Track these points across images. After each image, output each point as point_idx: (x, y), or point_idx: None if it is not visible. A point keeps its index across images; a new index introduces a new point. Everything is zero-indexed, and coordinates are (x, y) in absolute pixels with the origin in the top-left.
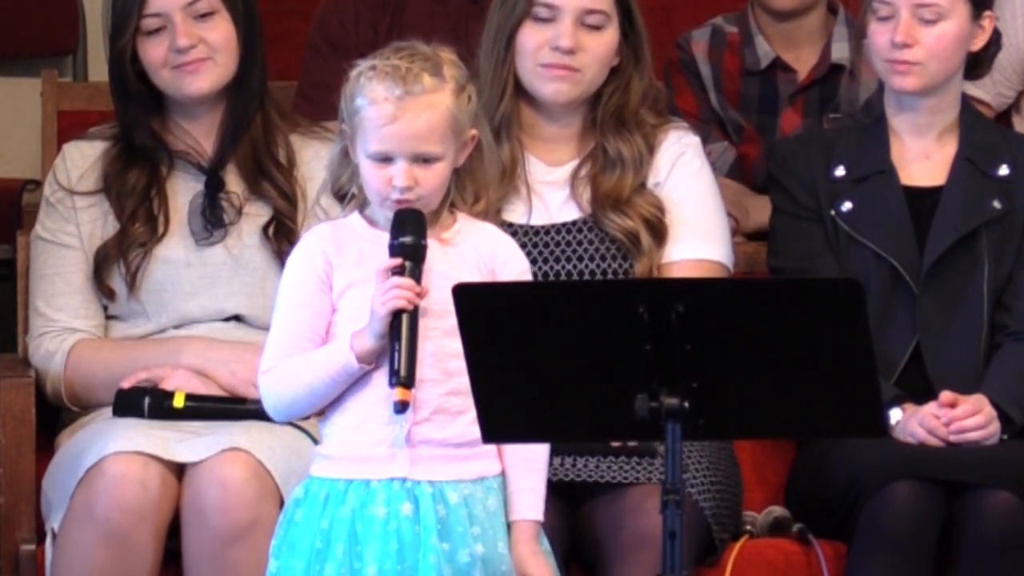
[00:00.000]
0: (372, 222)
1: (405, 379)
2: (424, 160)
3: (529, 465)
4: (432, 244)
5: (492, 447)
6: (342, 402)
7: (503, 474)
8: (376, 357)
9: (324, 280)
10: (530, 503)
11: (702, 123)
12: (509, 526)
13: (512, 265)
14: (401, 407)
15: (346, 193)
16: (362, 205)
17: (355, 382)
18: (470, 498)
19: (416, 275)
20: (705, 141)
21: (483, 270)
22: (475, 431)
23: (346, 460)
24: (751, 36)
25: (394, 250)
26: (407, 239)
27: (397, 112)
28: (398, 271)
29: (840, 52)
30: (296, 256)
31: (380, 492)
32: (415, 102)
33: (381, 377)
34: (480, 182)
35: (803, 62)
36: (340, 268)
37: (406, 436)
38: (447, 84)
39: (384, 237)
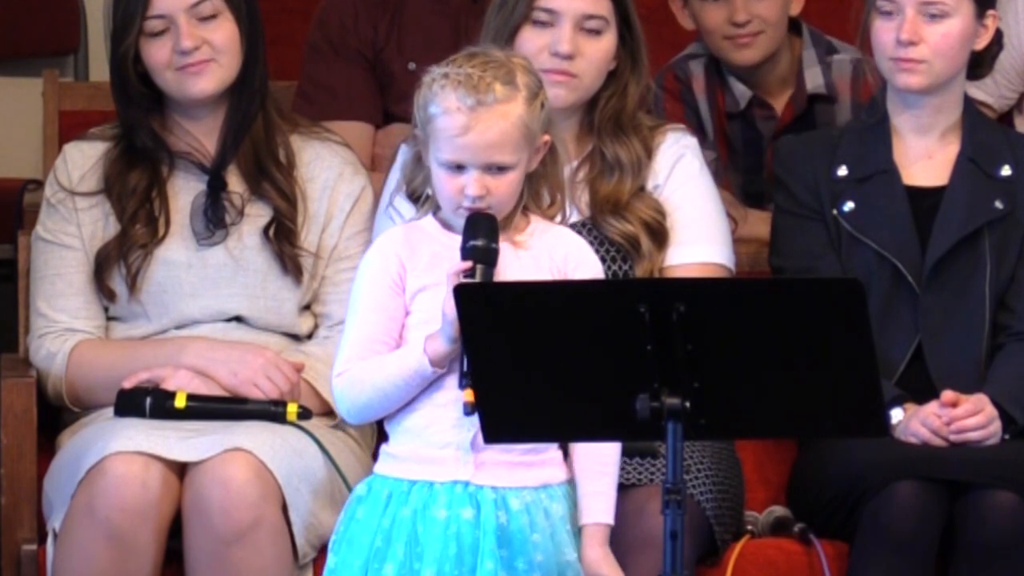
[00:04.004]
0: (446, 225)
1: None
2: (496, 169)
3: (601, 469)
4: (505, 247)
5: (558, 454)
6: (412, 402)
7: (569, 481)
8: (449, 361)
9: (397, 283)
10: (601, 507)
11: None
12: (579, 531)
13: (584, 268)
14: (471, 408)
15: (420, 195)
16: (436, 207)
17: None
18: (532, 505)
19: (487, 278)
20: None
21: (555, 273)
22: None
23: (411, 460)
24: (725, 77)
25: (465, 253)
26: (478, 242)
27: (470, 122)
28: (468, 274)
29: (814, 80)
30: (370, 259)
31: (442, 494)
32: (488, 112)
33: (451, 380)
34: (554, 184)
35: (779, 98)
36: (413, 271)
37: (472, 440)
38: (519, 92)
39: (458, 240)
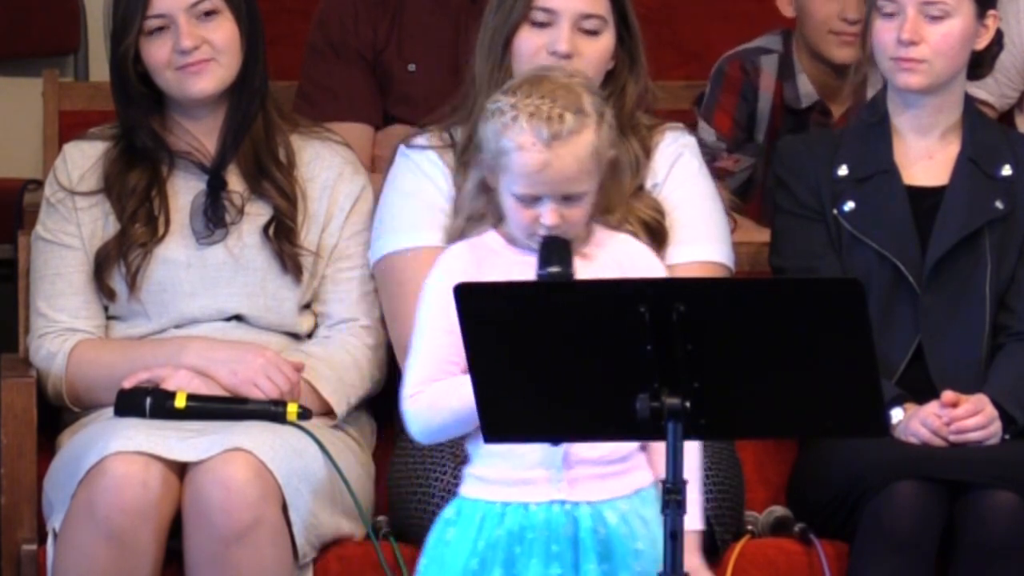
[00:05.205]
0: (511, 240)
1: None
2: (571, 198)
3: (689, 475)
4: (574, 261)
5: (643, 459)
6: None
7: (655, 483)
8: None
9: None
10: (693, 513)
11: (728, 141)
12: None
13: (651, 274)
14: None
15: (479, 215)
16: (496, 221)
17: None
18: (628, 514)
19: None
20: (737, 148)
21: None
22: (627, 446)
23: (502, 483)
24: (794, 72)
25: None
26: (555, 269)
27: (548, 158)
28: None
29: None
30: (440, 279)
31: (540, 514)
32: (563, 147)
33: None
34: (615, 195)
35: (838, 105)
36: None
37: (563, 457)
38: (589, 118)
39: (524, 256)
